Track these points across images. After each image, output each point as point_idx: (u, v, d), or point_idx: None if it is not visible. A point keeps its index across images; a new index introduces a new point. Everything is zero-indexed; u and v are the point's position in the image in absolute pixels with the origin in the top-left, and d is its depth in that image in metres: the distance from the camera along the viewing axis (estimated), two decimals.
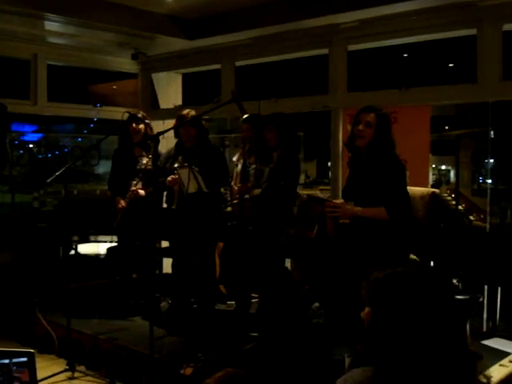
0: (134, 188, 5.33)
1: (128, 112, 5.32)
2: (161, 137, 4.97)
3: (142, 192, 5.34)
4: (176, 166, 5.07)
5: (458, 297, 4.24)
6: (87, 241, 7.25)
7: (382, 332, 1.75)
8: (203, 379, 3.70)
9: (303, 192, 4.96)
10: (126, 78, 7.87)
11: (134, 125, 5.42)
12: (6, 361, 1.76)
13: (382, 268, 1.87)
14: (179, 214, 5.06)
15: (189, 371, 4.16)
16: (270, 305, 4.89)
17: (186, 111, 5.13)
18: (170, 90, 7.70)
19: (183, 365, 4.21)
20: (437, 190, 4.25)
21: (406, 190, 3.88)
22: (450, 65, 10.35)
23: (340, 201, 4.20)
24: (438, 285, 1.83)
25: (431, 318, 1.75)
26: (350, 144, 4.10)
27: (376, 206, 3.84)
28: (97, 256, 7.20)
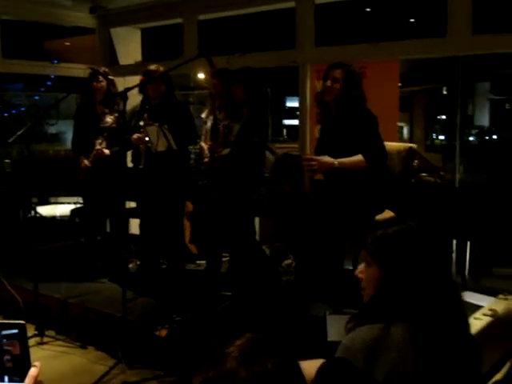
0: (98, 147, 5.15)
1: (91, 68, 5.10)
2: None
3: (106, 151, 5.17)
4: (142, 123, 4.91)
5: None
6: (47, 203, 7.07)
7: (395, 288, 1.75)
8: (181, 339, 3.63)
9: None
10: (83, 34, 7.56)
11: (95, 83, 5.22)
12: None
13: (385, 227, 1.86)
14: (147, 174, 4.93)
15: (164, 333, 4.10)
16: (240, 263, 4.86)
17: (154, 66, 4.95)
18: (129, 46, 7.42)
19: (157, 326, 4.14)
20: (414, 145, 4.23)
21: (380, 136, 3.89)
22: (411, 20, 10.32)
23: None
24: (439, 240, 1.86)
25: (437, 271, 1.80)
26: (321, 100, 4.10)
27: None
28: (57, 218, 7.03)
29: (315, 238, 3.90)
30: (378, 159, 3.79)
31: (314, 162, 3.86)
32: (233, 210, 4.59)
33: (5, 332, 1.63)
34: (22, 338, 1.66)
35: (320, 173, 3.95)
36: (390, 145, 4.09)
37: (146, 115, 4.92)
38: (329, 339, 3.28)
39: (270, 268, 4.97)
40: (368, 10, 9.13)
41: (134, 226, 5.65)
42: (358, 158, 3.78)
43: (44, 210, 6.89)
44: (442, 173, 4.55)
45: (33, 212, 6.32)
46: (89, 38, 7.45)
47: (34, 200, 6.54)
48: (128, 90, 4.18)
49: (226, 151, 4.76)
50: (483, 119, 19.90)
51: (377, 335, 1.72)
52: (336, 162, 3.82)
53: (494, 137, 19.29)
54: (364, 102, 3.96)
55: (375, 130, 3.87)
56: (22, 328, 1.68)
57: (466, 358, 1.76)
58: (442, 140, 19.79)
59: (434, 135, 20.97)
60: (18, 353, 1.65)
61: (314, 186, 4.01)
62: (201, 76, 7.47)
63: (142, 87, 4.90)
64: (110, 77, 5.26)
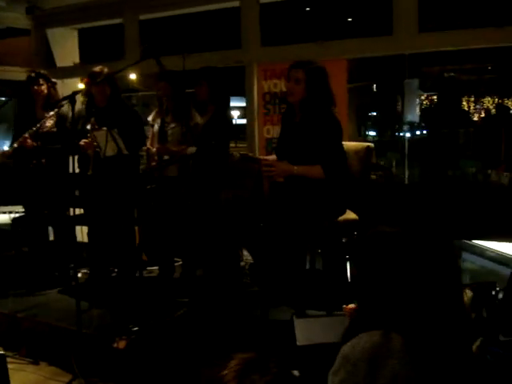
0: (26, 135, 4.94)
1: (33, 71, 4.89)
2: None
3: (29, 142, 4.96)
4: (89, 127, 4.74)
5: None
6: None
7: (393, 293, 1.71)
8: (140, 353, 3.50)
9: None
10: (18, 35, 7.27)
11: (35, 86, 5.02)
12: None
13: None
14: (96, 180, 4.76)
15: (122, 344, 3.94)
16: (195, 268, 4.77)
17: (98, 68, 4.77)
18: (66, 47, 7.19)
19: (115, 338, 3.99)
20: (371, 145, 4.21)
21: (342, 147, 3.82)
22: (349, 19, 10.41)
23: (272, 157, 4.11)
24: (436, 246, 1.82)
25: (435, 278, 1.76)
26: (283, 99, 4.06)
27: (311, 164, 3.76)
28: None
29: (275, 239, 3.83)
30: (336, 172, 3.73)
31: (273, 168, 3.80)
32: (195, 212, 4.50)
33: None
34: (1, 369, 1.54)
35: (279, 178, 3.89)
36: (348, 144, 4.07)
37: (93, 119, 4.75)
38: (298, 344, 3.21)
39: (232, 270, 4.87)
40: (308, 9, 9.15)
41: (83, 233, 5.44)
42: (317, 169, 3.72)
43: None
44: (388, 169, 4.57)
45: None
46: (24, 40, 7.17)
47: None
48: (76, 93, 4.00)
49: (191, 150, 4.67)
50: (413, 115, 20.37)
51: (377, 342, 1.68)
52: (295, 169, 3.76)
53: (424, 132, 19.77)
54: (330, 105, 3.84)
55: (338, 141, 3.79)
56: (1, 359, 1.55)
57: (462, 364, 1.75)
58: (373, 136, 20.16)
59: (367, 132, 21.34)
60: None
61: (274, 187, 3.94)
62: (132, 77, 7.32)
63: (86, 90, 4.73)
64: (53, 80, 5.07)
